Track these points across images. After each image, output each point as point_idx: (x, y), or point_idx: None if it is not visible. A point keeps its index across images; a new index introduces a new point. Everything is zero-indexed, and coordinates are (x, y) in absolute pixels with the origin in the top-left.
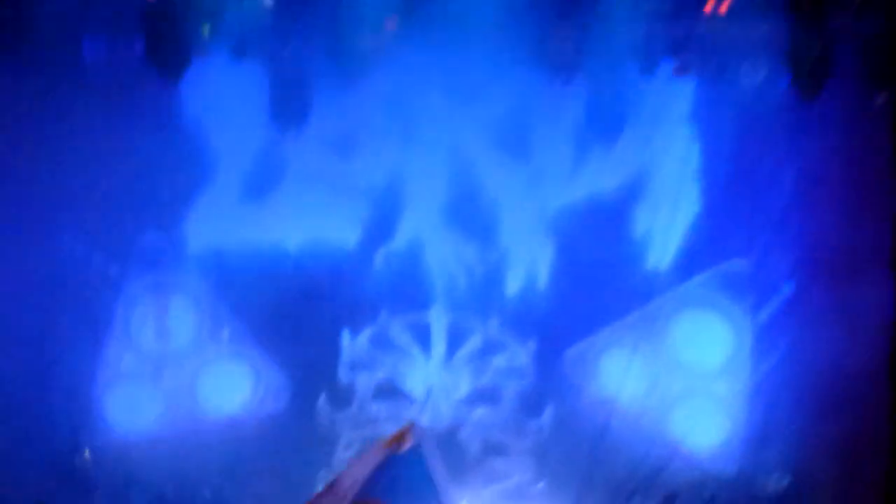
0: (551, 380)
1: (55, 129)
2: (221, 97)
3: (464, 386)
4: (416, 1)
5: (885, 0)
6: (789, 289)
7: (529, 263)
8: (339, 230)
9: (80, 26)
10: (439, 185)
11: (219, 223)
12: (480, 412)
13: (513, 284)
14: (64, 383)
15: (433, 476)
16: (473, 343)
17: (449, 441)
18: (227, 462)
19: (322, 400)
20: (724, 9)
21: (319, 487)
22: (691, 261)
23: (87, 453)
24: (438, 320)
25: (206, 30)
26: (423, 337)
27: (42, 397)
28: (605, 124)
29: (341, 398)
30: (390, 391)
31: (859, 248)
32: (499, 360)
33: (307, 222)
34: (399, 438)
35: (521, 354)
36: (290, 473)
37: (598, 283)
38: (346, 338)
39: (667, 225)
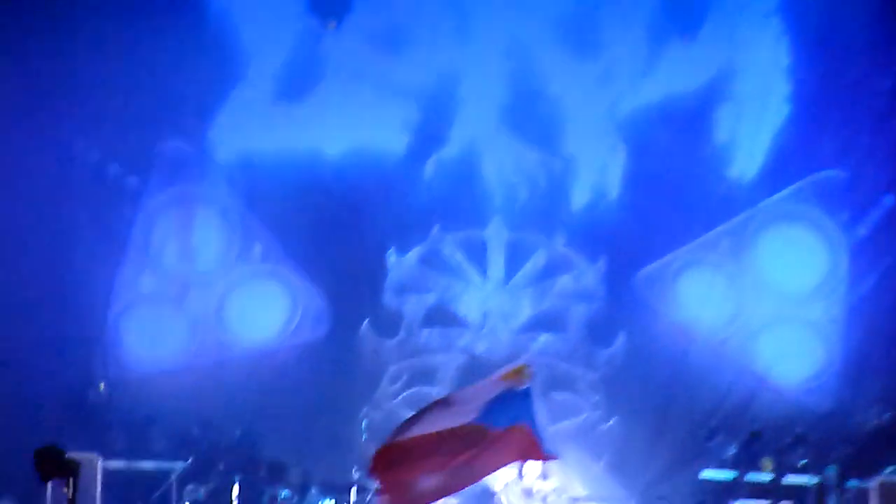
0: (623, 303)
1: (65, 21)
2: None
3: (525, 311)
4: None
5: None
6: (890, 200)
7: (598, 172)
8: (386, 135)
9: None
10: (497, 84)
11: (249, 127)
12: (544, 340)
13: (580, 196)
14: (76, 308)
15: (537, 419)
16: (535, 262)
17: None
18: (259, 397)
19: (366, 326)
20: None
21: (364, 425)
22: (780, 170)
23: (101, 387)
24: (496, 237)
25: None
26: (478, 256)
27: (52, 323)
28: (683, 16)
29: (387, 324)
30: (442, 316)
31: None
32: (564, 282)
33: (349, 126)
34: (516, 374)
35: (589, 275)
36: (329, 410)
37: (676, 195)
38: (392, 257)
39: (753, 130)
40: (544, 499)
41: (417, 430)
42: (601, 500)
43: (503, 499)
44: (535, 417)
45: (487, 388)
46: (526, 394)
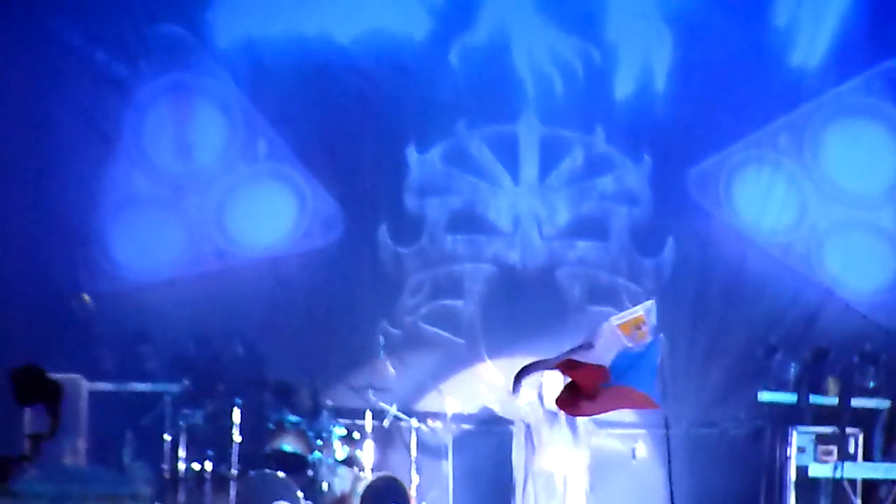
0: (671, 207)
1: None
2: None
3: (562, 215)
4: None
5: None
6: None
7: (643, 60)
8: (404, 18)
9: None
10: None
11: (252, 9)
12: (582, 248)
13: (622, 88)
14: (58, 211)
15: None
16: (573, 161)
17: (543, 283)
18: (263, 310)
19: (383, 231)
20: None
21: (381, 342)
22: (847, 58)
23: (86, 299)
24: (529, 133)
25: None
26: (509, 154)
27: (30, 228)
28: None
29: (407, 229)
30: (468, 221)
31: None
32: (605, 183)
33: (363, 7)
34: (635, 323)
35: (632, 175)
36: (342, 325)
37: (729, 86)
38: (412, 154)
39: (816, 11)
40: (573, 425)
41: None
42: (646, 427)
43: (524, 422)
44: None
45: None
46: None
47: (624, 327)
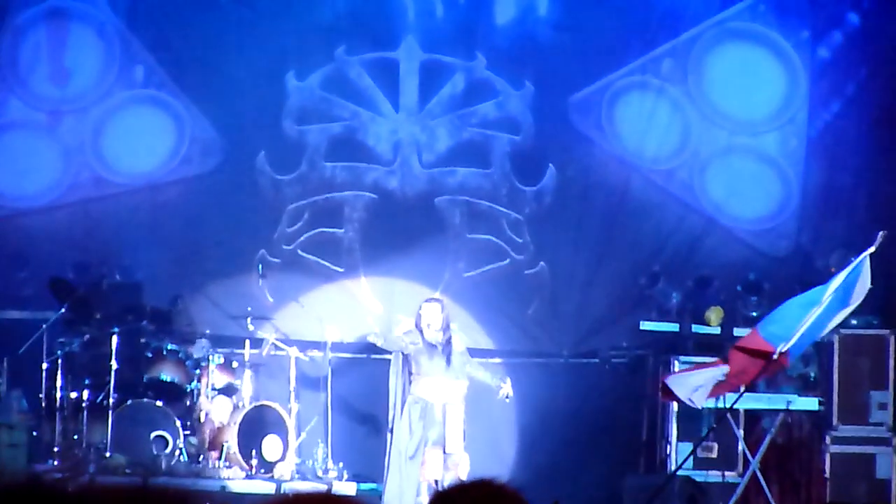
0: (553, 133)
1: None
2: None
3: (442, 142)
4: None
5: None
6: (854, 19)
7: None
8: None
9: None
10: None
11: None
12: (463, 174)
13: (503, 12)
14: None
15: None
16: (453, 87)
17: (423, 210)
18: (141, 238)
19: (262, 158)
20: None
21: (260, 270)
22: None
23: None
24: (409, 59)
25: None
26: (389, 80)
27: None
28: None
29: (287, 156)
30: (348, 148)
31: None
32: (486, 109)
33: None
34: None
35: (513, 101)
36: (221, 252)
37: (612, 10)
38: (291, 80)
39: None
40: (448, 355)
41: None
42: (527, 357)
43: (403, 352)
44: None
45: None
46: None
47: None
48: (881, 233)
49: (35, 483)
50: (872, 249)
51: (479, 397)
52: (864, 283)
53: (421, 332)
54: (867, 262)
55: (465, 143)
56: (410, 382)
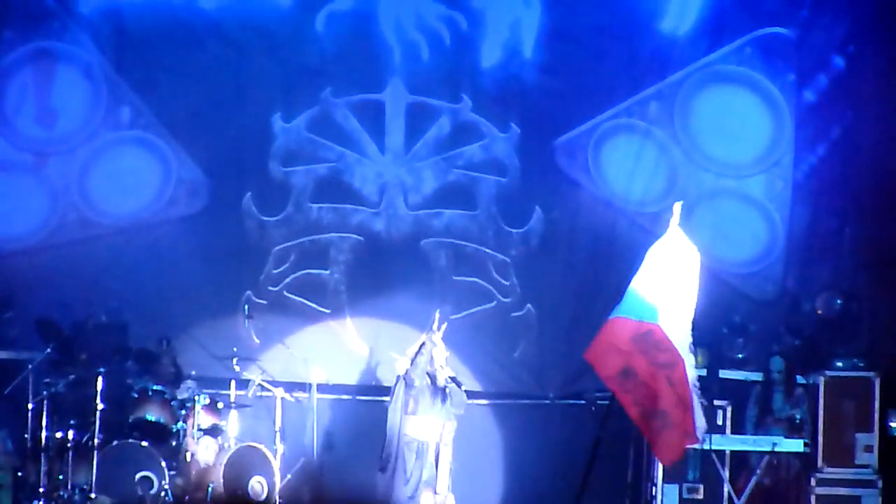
0: (539, 176)
1: None
2: None
3: (428, 184)
4: None
5: None
6: (840, 62)
7: (510, 28)
8: None
9: None
10: None
11: None
12: (449, 216)
13: (490, 54)
14: None
15: None
16: (439, 130)
17: (409, 252)
18: (127, 279)
19: (248, 199)
20: None
21: (246, 312)
22: (719, 25)
23: None
24: (395, 101)
25: None
26: (375, 122)
27: None
28: None
29: (273, 198)
30: (334, 190)
31: None
32: (472, 152)
33: None
34: None
35: (500, 143)
36: (207, 294)
37: (598, 53)
38: (278, 121)
39: None
40: (444, 396)
41: None
42: (513, 398)
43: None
44: None
45: None
46: None
47: None
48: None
49: None
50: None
51: (466, 438)
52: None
53: (431, 371)
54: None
55: (451, 186)
56: (406, 422)
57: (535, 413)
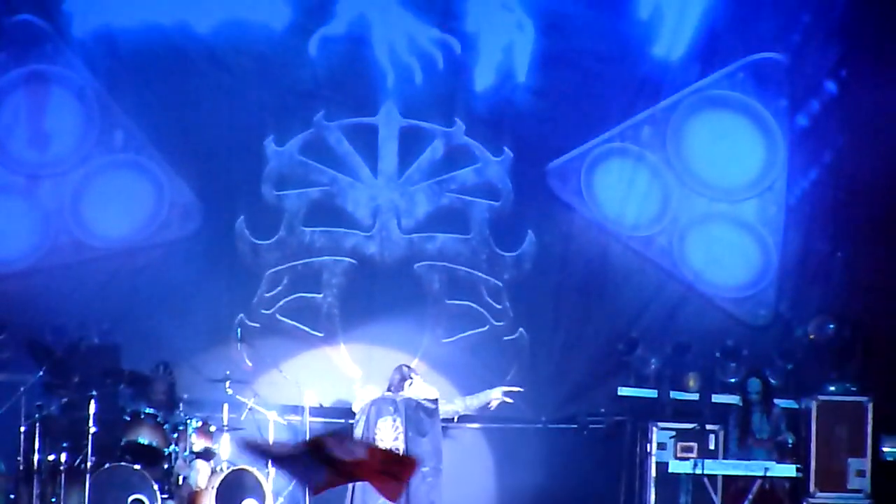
0: (532, 200)
1: None
2: None
3: (421, 207)
4: None
5: None
6: (832, 87)
7: (503, 52)
8: (263, 7)
9: None
10: None
11: None
12: (442, 241)
13: (482, 79)
14: None
15: None
16: (433, 153)
17: (402, 276)
18: (120, 302)
19: (241, 223)
20: None
21: (238, 335)
22: (711, 50)
23: None
24: (388, 125)
25: None
26: (368, 146)
27: None
28: None
29: (265, 222)
30: (327, 214)
31: None
32: (465, 175)
33: None
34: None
35: (493, 167)
36: (199, 317)
37: (591, 77)
38: (271, 146)
39: (679, 4)
40: (430, 414)
41: None
42: (505, 422)
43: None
44: None
45: None
46: None
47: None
48: None
49: None
50: None
51: (458, 462)
52: None
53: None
54: None
55: (444, 209)
56: None
57: (528, 437)
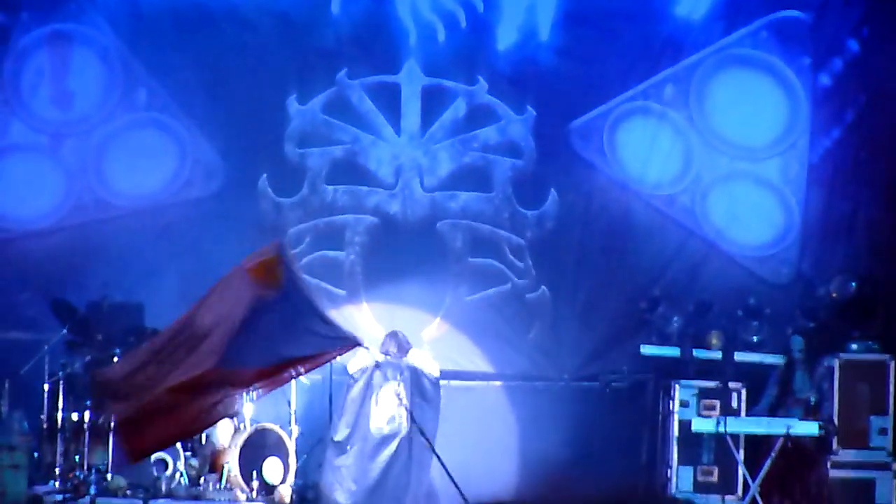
0: (555, 158)
1: None
2: None
3: (444, 166)
4: None
5: None
6: (855, 46)
7: (526, 10)
8: None
9: None
10: None
11: None
12: (465, 199)
13: (505, 37)
14: None
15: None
16: (455, 112)
17: (425, 234)
18: (143, 260)
19: (263, 181)
20: None
21: None
22: (734, 9)
23: None
24: (411, 83)
25: None
26: (391, 104)
27: None
28: None
29: (288, 179)
30: (350, 172)
31: None
32: (488, 134)
33: None
34: (266, 272)
35: (516, 126)
36: (223, 273)
37: (614, 35)
38: (293, 104)
39: None
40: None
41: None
42: (528, 380)
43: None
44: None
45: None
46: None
47: (257, 272)
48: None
49: None
50: None
51: (480, 420)
52: None
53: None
54: None
55: (466, 168)
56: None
57: (550, 395)
